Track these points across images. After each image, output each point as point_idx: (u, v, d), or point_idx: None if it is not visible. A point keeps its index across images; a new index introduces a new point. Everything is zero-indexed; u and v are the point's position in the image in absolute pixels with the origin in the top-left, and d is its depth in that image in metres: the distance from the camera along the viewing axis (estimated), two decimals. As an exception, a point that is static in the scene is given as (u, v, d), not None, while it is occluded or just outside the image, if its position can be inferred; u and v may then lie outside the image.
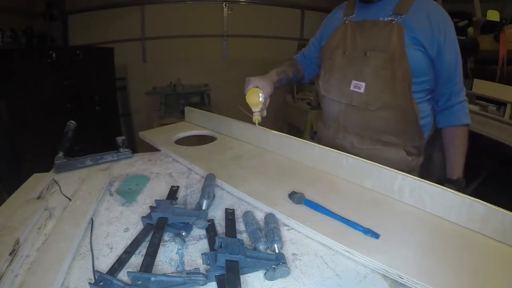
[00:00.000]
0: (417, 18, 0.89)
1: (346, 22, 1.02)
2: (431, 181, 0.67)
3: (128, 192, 0.77)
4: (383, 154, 1.00)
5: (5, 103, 2.26)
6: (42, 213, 0.65)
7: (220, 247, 0.53)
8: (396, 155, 1.00)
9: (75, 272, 0.51)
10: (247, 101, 0.98)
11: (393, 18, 0.91)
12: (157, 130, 1.30)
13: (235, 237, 0.59)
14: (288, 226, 0.65)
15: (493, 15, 1.77)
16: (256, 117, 0.97)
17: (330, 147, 0.86)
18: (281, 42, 3.86)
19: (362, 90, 0.96)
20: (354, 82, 0.97)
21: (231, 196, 0.77)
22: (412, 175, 0.94)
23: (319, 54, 1.14)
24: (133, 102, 3.53)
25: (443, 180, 0.97)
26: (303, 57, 1.23)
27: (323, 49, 1.10)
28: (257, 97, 0.96)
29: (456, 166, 0.97)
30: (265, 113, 1.01)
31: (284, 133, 0.97)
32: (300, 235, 0.62)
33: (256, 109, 0.97)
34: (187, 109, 1.35)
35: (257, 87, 0.98)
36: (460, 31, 1.97)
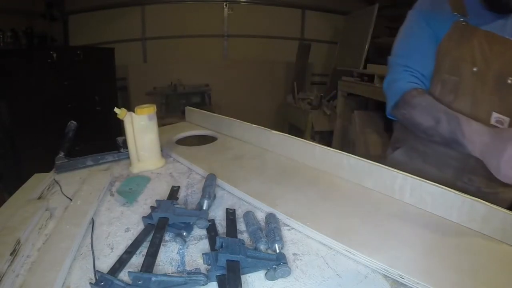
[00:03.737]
0: None
1: (463, 23, 0.76)
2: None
3: (128, 192, 0.77)
4: None
5: (5, 103, 2.27)
6: (43, 213, 0.65)
7: (221, 247, 0.53)
8: None
9: (76, 272, 0.51)
10: None
11: None
12: (157, 130, 1.30)
13: (236, 237, 0.59)
14: (289, 226, 0.65)
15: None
16: None
17: None
18: (281, 42, 3.87)
19: (505, 126, 0.74)
20: (495, 115, 0.74)
21: (231, 196, 0.77)
22: None
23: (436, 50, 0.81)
24: (133, 102, 3.54)
25: None
26: (416, 71, 0.83)
27: (438, 51, 0.80)
28: None
29: None
30: None
31: (285, 133, 0.97)
32: (301, 235, 0.62)
33: None
34: (188, 109, 1.35)
35: None
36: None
